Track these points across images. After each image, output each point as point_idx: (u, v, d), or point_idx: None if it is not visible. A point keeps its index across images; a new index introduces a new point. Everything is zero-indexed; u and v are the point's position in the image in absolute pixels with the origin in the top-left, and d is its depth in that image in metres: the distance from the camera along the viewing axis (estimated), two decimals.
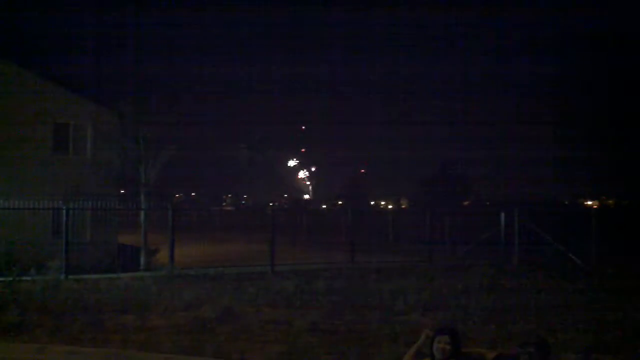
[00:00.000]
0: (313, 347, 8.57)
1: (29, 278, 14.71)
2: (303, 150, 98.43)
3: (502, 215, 21.12)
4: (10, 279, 13.59)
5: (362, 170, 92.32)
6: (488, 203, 60.01)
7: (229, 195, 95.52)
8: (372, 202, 79.78)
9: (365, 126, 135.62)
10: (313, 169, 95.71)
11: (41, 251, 17.57)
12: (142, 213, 20.23)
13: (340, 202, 77.30)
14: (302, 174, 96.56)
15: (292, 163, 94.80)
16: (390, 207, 71.41)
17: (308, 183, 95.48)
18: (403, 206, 73.54)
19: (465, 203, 62.89)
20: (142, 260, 19.46)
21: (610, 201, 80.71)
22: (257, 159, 78.86)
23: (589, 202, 77.98)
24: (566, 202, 72.12)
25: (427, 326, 9.59)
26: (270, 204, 70.76)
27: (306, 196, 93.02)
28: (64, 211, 17.37)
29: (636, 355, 8.15)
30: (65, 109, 22.69)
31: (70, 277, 15.91)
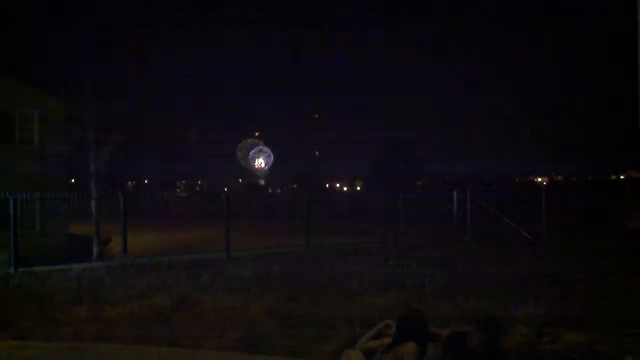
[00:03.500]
0: (270, 332, 8.55)
1: None
2: (257, 134, 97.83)
3: (455, 193, 21.45)
4: None
5: (316, 153, 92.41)
6: (441, 182, 60.73)
7: (183, 182, 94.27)
8: (327, 185, 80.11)
9: (316, 107, 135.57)
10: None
11: None
12: (92, 202, 19.80)
13: (295, 186, 77.33)
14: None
15: (239, 153, 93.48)
16: (345, 189, 71.80)
17: (258, 163, 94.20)
18: (358, 187, 74.02)
19: (419, 183, 63.53)
20: (95, 250, 19.08)
21: (559, 177, 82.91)
22: (208, 142, 77.96)
23: (539, 179, 79.91)
24: (517, 179, 73.67)
25: (381, 307, 9.76)
26: (225, 189, 70.34)
27: (261, 181, 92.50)
28: (11, 202, 16.92)
29: (587, 325, 8.37)
30: (9, 98, 22.04)
31: (20, 269, 15.56)
